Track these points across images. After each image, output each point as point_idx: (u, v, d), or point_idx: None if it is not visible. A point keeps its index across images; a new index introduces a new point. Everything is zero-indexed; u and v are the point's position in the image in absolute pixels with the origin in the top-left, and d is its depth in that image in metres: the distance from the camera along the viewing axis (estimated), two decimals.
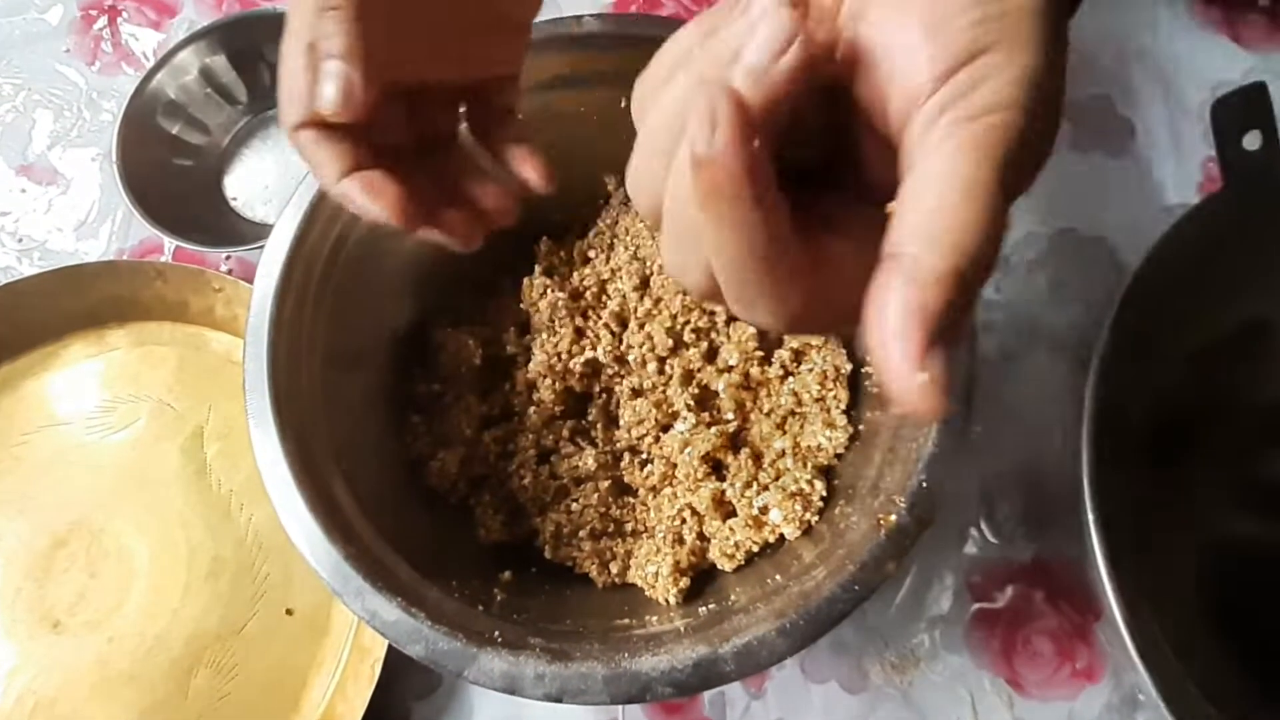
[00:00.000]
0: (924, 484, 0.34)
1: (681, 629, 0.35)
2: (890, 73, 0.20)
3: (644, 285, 0.43)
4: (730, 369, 0.42)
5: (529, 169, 0.33)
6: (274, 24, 0.54)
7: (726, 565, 0.40)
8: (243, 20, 0.54)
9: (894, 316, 0.18)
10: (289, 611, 0.45)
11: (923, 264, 0.18)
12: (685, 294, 0.43)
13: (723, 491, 0.41)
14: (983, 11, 0.19)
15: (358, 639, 0.44)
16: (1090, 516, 0.36)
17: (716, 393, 0.42)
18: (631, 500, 0.42)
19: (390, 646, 0.42)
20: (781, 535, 0.39)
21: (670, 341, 0.42)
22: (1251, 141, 0.41)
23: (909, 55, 0.19)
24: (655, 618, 0.37)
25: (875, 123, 0.20)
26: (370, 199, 0.28)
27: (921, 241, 0.18)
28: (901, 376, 0.18)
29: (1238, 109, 0.41)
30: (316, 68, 0.27)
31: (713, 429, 0.41)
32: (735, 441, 0.42)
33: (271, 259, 0.38)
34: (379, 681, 0.42)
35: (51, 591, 0.46)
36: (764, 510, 0.39)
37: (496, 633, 0.33)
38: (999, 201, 0.18)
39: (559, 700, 0.31)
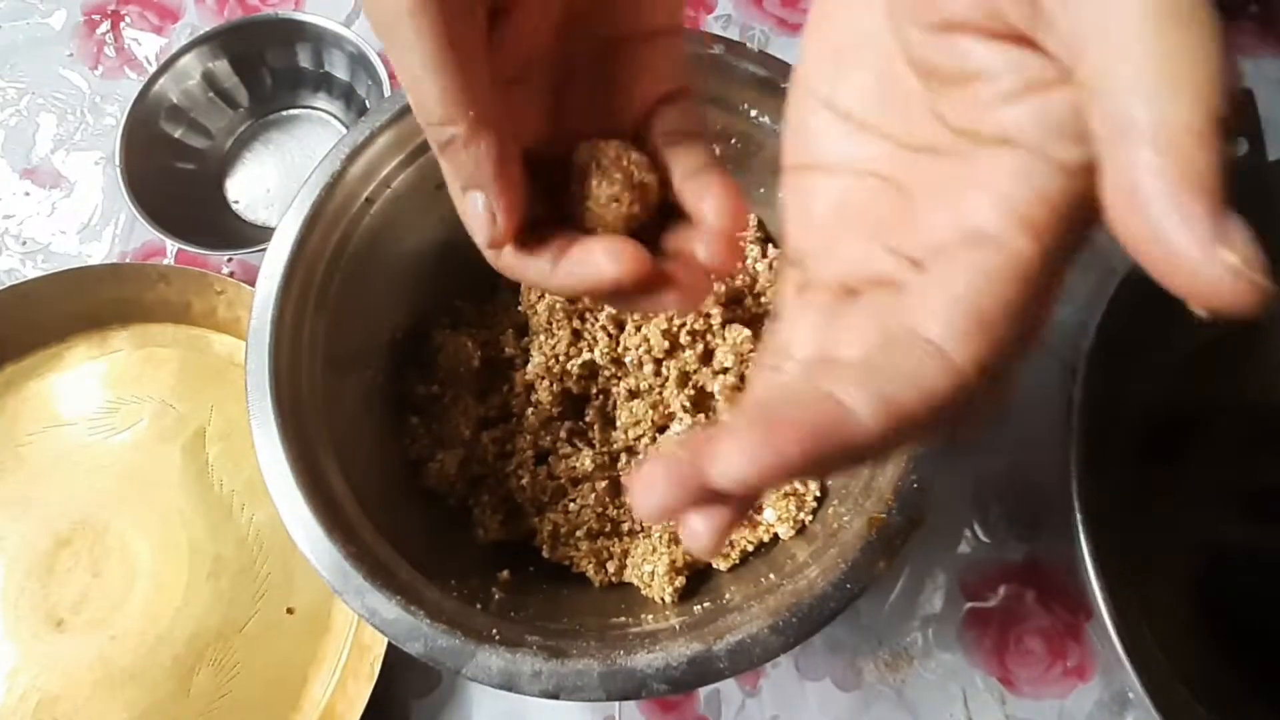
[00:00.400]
0: (916, 484, 0.34)
1: (677, 627, 0.35)
2: None
3: None
4: (726, 371, 0.43)
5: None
6: (276, 29, 0.54)
7: (721, 564, 0.40)
8: (245, 25, 0.55)
9: (1158, 198, 0.14)
10: (290, 610, 0.46)
11: (1167, 120, 0.14)
12: None
13: None
14: None
15: (358, 637, 0.45)
16: (1079, 517, 0.37)
17: (712, 394, 0.43)
18: (628, 500, 0.43)
19: (390, 645, 0.42)
20: (775, 534, 0.40)
21: (666, 344, 0.42)
22: (1238, 147, 0.41)
23: None
24: (651, 616, 0.38)
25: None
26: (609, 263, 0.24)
27: (1147, 97, 0.14)
28: (1199, 266, 0.14)
29: None
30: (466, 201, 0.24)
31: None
32: None
33: (273, 262, 0.39)
34: (379, 679, 0.42)
35: (54, 590, 0.46)
36: (758, 510, 0.40)
37: (494, 630, 0.33)
38: (1213, 24, 0.14)
39: (555, 697, 0.32)
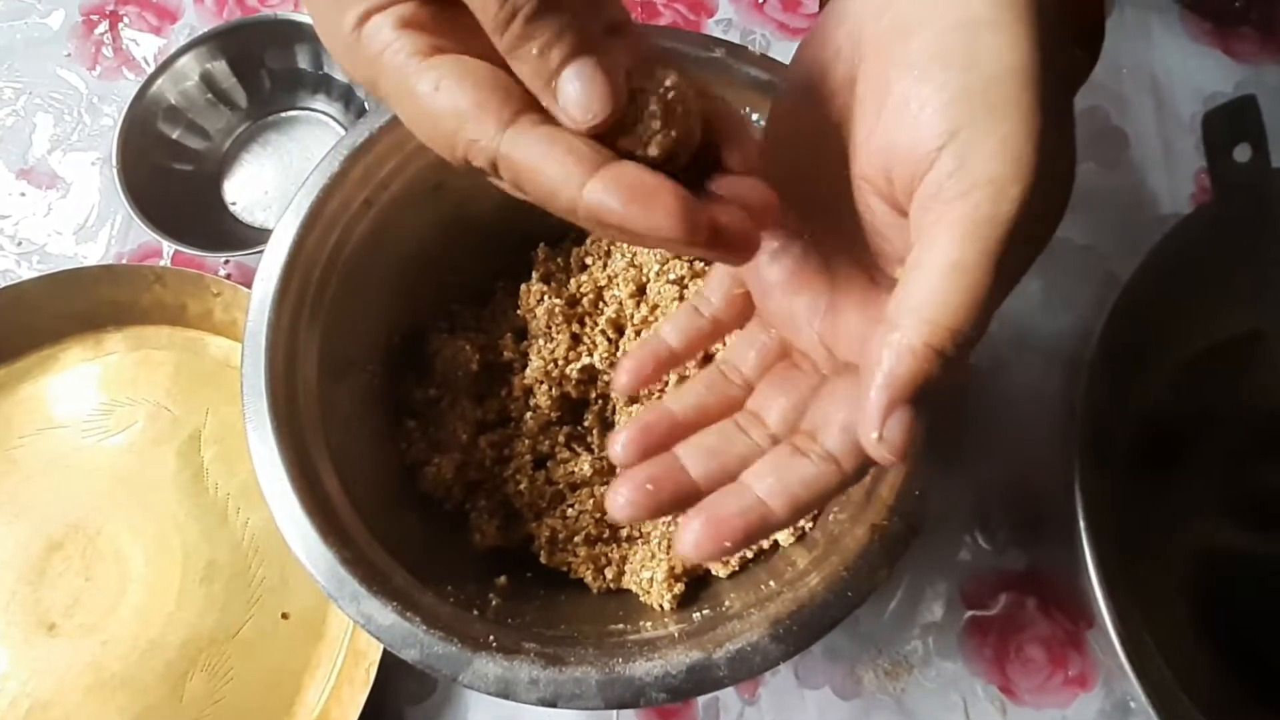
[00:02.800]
0: (917, 492, 0.34)
1: (675, 634, 0.35)
2: (890, 161, 0.22)
3: (640, 292, 0.43)
4: None
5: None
6: (274, 30, 0.54)
7: (721, 571, 0.40)
8: (244, 26, 0.54)
9: (872, 376, 0.21)
10: (284, 615, 0.45)
11: (905, 338, 0.20)
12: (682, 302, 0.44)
13: None
14: (957, 86, 0.20)
15: (353, 643, 0.44)
16: (1081, 525, 0.36)
17: None
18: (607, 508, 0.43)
19: (385, 651, 0.42)
20: (776, 541, 0.40)
21: None
22: (1241, 154, 0.41)
23: (901, 146, 0.22)
24: (649, 623, 0.38)
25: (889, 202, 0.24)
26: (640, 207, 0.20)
27: (908, 316, 0.20)
28: (863, 427, 0.21)
29: (1228, 122, 0.41)
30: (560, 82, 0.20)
31: None
32: None
33: (270, 264, 0.38)
34: (373, 686, 0.42)
35: (46, 595, 0.46)
36: None
37: (491, 637, 0.33)
38: (987, 280, 0.20)
39: (553, 705, 0.31)
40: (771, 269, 0.28)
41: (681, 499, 0.25)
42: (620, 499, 0.24)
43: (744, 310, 0.30)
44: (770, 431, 0.26)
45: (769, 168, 0.23)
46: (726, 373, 0.29)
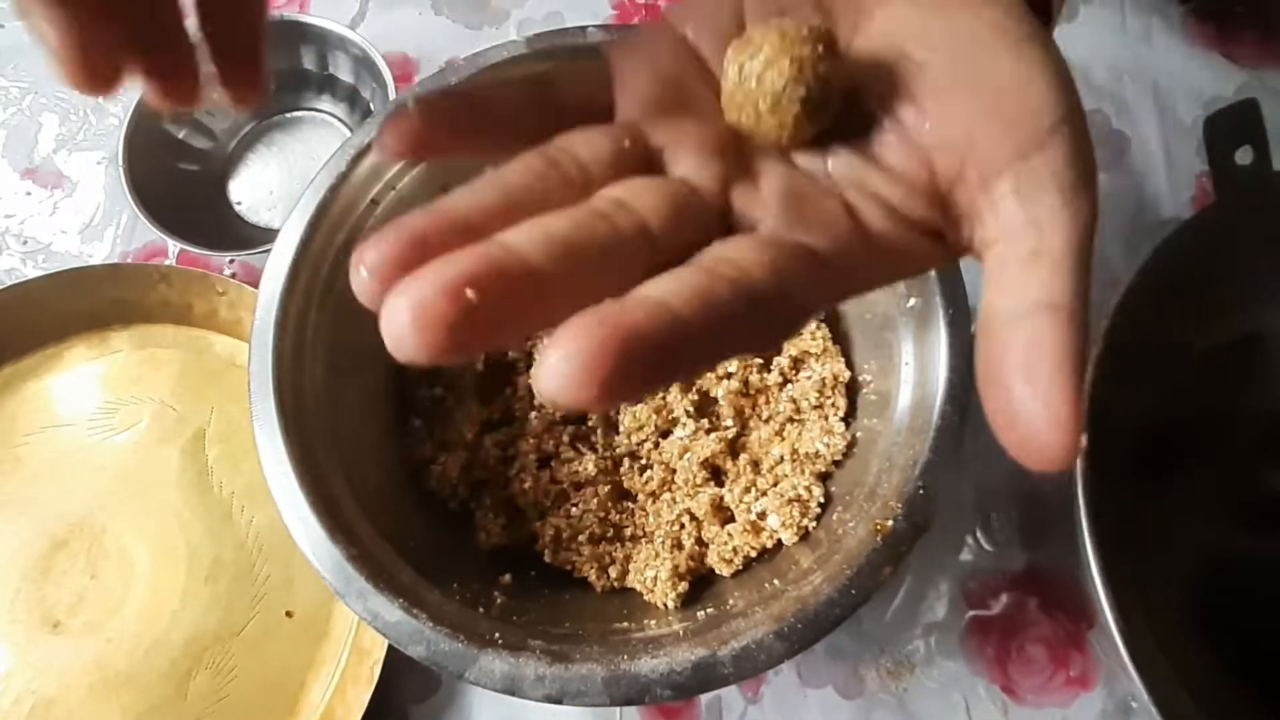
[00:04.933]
0: (921, 490, 0.34)
1: (680, 632, 0.35)
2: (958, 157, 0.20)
3: None
4: (729, 376, 0.43)
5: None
6: (280, 31, 0.54)
7: (725, 570, 0.40)
8: None
9: (1050, 365, 0.18)
10: (289, 614, 0.45)
11: (1074, 314, 0.18)
12: None
13: (721, 497, 0.41)
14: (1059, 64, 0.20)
15: (357, 641, 0.44)
16: (1084, 525, 0.36)
17: (716, 399, 0.43)
18: (631, 505, 0.43)
19: (389, 649, 0.42)
20: (779, 540, 0.40)
21: None
22: (1243, 156, 0.41)
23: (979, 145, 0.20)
24: (654, 621, 0.38)
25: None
26: None
27: (1064, 294, 0.18)
28: (1052, 442, 0.17)
29: (1229, 125, 0.41)
30: None
31: (712, 435, 0.42)
32: (734, 448, 0.43)
33: (278, 263, 0.38)
34: (378, 684, 0.42)
35: (51, 593, 0.46)
36: (762, 516, 0.40)
37: (497, 634, 0.33)
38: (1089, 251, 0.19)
39: (559, 701, 0.31)
40: (662, 79, 0.21)
41: (529, 304, 0.15)
42: (413, 316, 0.14)
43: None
44: (649, 224, 0.17)
45: None
46: (557, 159, 0.18)
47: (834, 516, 0.39)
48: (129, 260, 0.55)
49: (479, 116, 0.20)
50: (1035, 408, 0.17)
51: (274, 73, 0.56)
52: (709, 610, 0.37)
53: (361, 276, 0.15)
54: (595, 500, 0.42)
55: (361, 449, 0.40)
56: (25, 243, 0.56)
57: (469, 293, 0.14)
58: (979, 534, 0.46)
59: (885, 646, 0.45)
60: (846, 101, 0.20)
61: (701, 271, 0.16)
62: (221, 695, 0.44)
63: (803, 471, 0.40)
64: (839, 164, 0.21)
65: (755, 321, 0.16)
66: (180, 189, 0.54)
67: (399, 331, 0.14)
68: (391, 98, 0.51)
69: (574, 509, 0.42)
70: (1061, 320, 0.18)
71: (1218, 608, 0.44)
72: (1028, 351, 0.18)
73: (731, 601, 0.38)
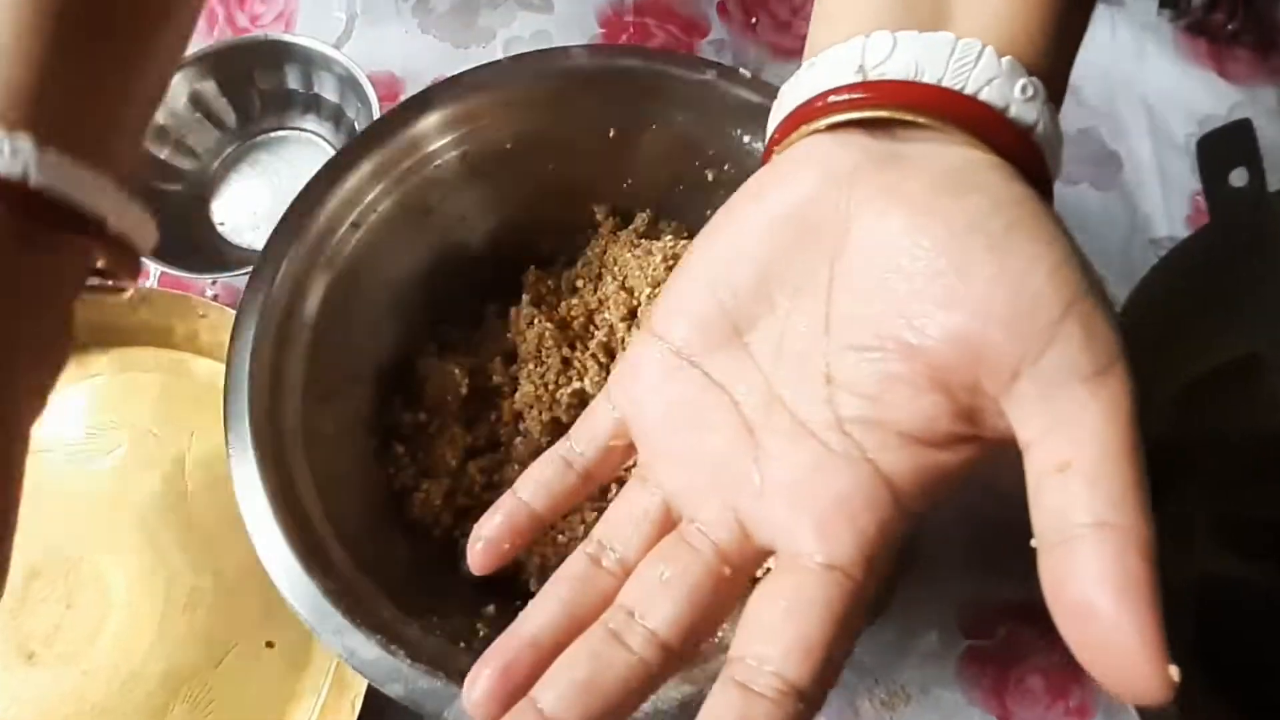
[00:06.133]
0: None
1: None
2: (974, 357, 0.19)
3: (631, 316, 0.43)
4: None
5: None
6: (264, 50, 0.54)
7: None
8: (234, 47, 0.54)
9: (1112, 596, 0.16)
10: (269, 644, 0.44)
11: (1128, 530, 0.16)
12: None
13: None
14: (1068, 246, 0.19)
15: (338, 674, 0.43)
16: None
17: None
18: None
19: (369, 684, 0.41)
20: (770, 571, 0.39)
21: None
22: (1238, 178, 0.41)
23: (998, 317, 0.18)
24: None
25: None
26: None
27: (1119, 509, 0.17)
28: (1143, 675, 0.16)
29: (1223, 145, 0.41)
30: None
31: None
32: None
33: (254, 289, 0.38)
34: (359, 717, 0.41)
35: (26, 622, 0.45)
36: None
37: None
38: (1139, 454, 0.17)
39: None
40: (667, 405, 0.24)
41: None
42: None
43: (622, 461, 0.26)
44: (657, 636, 0.21)
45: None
46: (598, 557, 0.23)
47: None
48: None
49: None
50: (1113, 639, 0.16)
51: (258, 92, 0.56)
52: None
53: (473, 700, 0.22)
54: (583, 528, 0.41)
55: (341, 478, 0.39)
56: None
57: None
58: (974, 563, 0.46)
59: (879, 677, 0.44)
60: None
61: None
62: None
63: None
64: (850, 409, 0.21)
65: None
66: (162, 210, 0.53)
67: None
68: (375, 116, 0.51)
69: (560, 537, 0.41)
70: (1113, 539, 0.16)
71: (1210, 632, 0.43)
72: (1084, 582, 0.16)
73: (720, 634, 0.37)
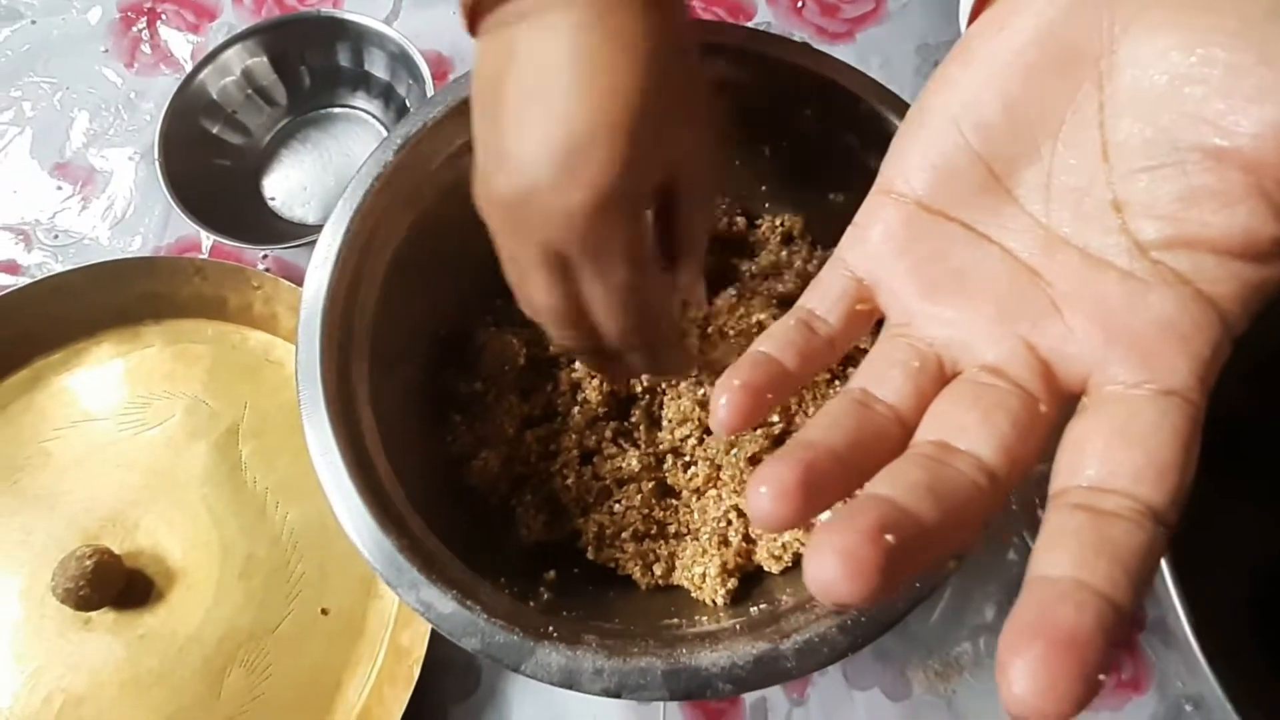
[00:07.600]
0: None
1: (736, 627, 0.34)
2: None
3: None
4: None
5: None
6: (315, 27, 0.54)
7: (774, 567, 0.39)
8: (285, 24, 0.54)
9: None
10: (324, 611, 0.45)
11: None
12: (728, 295, 0.44)
13: None
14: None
15: (394, 640, 0.44)
16: None
17: None
18: (674, 502, 0.42)
19: (427, 648, 0.41)
20: None
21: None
22: None
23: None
24: (704, 618, 0.37)
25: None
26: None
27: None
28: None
29: None
30: None
31: (758, 431, 0.41)
32: (781, 443, 0.42)
33: (323, 253, 0.38)
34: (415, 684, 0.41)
35: None
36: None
37: (550, 628, 0.32)
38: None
39: (618, 695, 0.31)
40: (920, 263, 0.22)
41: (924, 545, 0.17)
42: (843, 562, 0.16)
43: (864, 328, 0.24)
44: (984, 463, 0.19)
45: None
46: (867, 404, 0.21)
47: None
48: (161, 254, 0.54)
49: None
50: None
51: (309, 69, 0.56)
52: (761, 606, 0.37)
53: (760, 494, 0.18)
54: (639, 497, 0.41)
55: (402, 442, 0.39)
56: (56, 237, 0.56)
57: (888, 537, 0.16)
58: (1026, 534, 0.46)
59: (933, 648, 0.44)
60: None
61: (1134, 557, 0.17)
62: (256, 694, 0.43)
63: None
64: None
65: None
66: (214, 184, 0.53)
67: (829, 577, 0.16)
68: (429, 93, 0.51)
69: (617, 505, 0.42)
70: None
71: (1270, 617, 0.43)
72: None
73: (782, 598, 0.37)
